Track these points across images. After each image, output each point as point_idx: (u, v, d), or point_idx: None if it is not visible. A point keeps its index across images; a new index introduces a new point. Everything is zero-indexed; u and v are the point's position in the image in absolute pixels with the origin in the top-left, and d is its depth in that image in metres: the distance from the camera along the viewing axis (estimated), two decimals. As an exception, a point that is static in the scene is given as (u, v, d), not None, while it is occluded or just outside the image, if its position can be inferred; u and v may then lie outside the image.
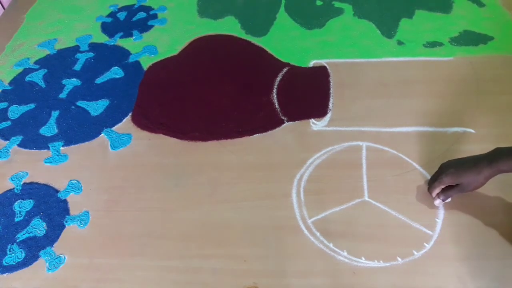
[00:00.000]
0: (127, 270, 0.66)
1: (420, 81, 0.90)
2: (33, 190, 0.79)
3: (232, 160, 0.79)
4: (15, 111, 0.94)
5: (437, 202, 0.67)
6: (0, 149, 0.86)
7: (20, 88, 0.99)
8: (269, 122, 0.85)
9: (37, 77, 1.02)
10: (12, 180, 0.81)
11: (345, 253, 0.65)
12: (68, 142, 0.87)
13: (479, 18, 1.04)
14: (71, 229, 0.72)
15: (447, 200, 0.67)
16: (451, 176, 0.64)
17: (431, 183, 0.67)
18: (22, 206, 0.76)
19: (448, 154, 0.75)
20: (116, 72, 1.01)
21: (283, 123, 0.85)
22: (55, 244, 0.71)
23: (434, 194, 0.67)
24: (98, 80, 0.99)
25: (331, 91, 0.89)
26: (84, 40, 1.10)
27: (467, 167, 0.62)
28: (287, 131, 0.83)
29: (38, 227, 0.73)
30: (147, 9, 1.19)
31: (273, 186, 0.74)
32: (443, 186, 0.66)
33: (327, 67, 0.94)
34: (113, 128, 0.88)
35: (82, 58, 1.05)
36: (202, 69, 0.99)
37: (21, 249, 0.70)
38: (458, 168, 0.64)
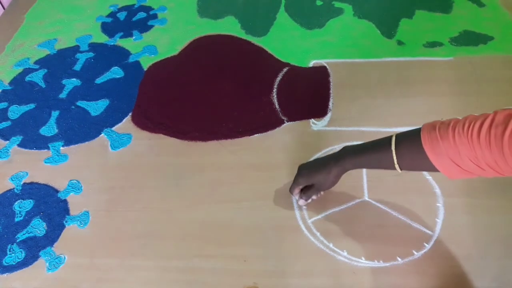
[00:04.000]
0: (127, 270, 0.66)
1: (420, 81, 0.90)
2: (33, 190, 0.79)
3: (232, 160, 0.79)
4: (15, 111, 0.94)
5: (301, 202, 0.68)
6: (0, 149, 0.86)
7: (20, 88, 0.99)
8: (269, 122, 0.85)
9: (37, 77, 1.02)
10: (12, 180, 0.81)
11: (345, 253, 0.65)
12: (68, 142, 0.87)
13: (479, 18, 1.04)
14: (71, 229, 0.72)
15: (309, 201, 0.68)
16: (304, 177, 0.66)
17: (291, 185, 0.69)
18: (22, 206, 0.76)
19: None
20: (116, 72, 1.01)
21: (283, 123, 0.85)
22: (55, 244, 0.71)
23: (294, 194, 0.68)
24: (98, 80, 0.99)
25: (331, 91, 0.89)
26: (84, 40, 1.10)
27: (317, 167, 0.65)
28: (287, 131, 0.83)
29: (38, 227, 0.73)
30: (147, 9, 1.19)
31: (273, 186, 0.74)
32: (301, 187, 0.67)
33: (327, 67, 0.94)
34: (113, 128, 0.88)
35: (82, 58, 1.05)
36: (202, 69, 0.99)
37: (21, 249, 0.70)
38: (309, 169, 0.66)
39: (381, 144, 0.57)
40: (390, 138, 0.56)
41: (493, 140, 0.43)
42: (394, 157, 0.54)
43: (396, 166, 0.55)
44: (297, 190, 0.68)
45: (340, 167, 0.62)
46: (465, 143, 0.46)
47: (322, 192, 0.70)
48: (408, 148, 0.53)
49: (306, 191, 0.67)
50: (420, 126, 0.54)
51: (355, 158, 0.61)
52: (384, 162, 0.56)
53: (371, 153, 0.59)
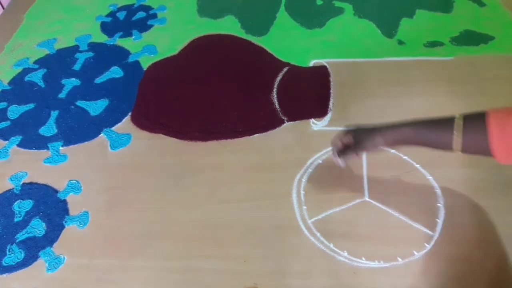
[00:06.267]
0: (127, 270, 0.66)
1: (420, 81, 0.89)
2: (32, 190, 0.78)
3: (232, 160, 0.79)
4: (15, 111, 0.94)
5: (339, 161, 0.65)
6: (-1, 149, 0.86)
7: (19, 88, 0.99)
8: (269, 122, 0.85)
9: (37, 77, 1.01)
10: (12, 180, 0.80)
11: (346, 254, 0.65)
12: (68, 142, 0.86)
13: (479, 17, 1.04)
14: (70, 229, 0.72)
15: (347, 159, 0.64)
16: (348, 132, 0.64)
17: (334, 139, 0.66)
18: (21, 206, 0.76)
19: (447, 154, 0.75)
20: (115, 72, 1.01)
21: (283, 123, 0.85)
22: (55, 244, 0.70)
23: (336, 150, 0.65)
24: (98, 80, 0.99)
25: (331, 91, 0.89)
26: (84, 40, 1.10)
27: (365, 128, 0.63)
28: (287, 131, 0.83)
29: (38, 227, 0.73)
30: (146, 8, 1.19)
31: (273, 186, 0.74)
32: (343, 140, 0.64)
33: (327, 66, 0.94)
34: (113, 128, 0.88)
35: (81, 57, 1.05)
36: (202, 69, 0.99)
37: (20, 250, 0.70)
38: (355, 128, 0.64)
39: (443, 120, 0.57)
40: (453, 116, 0.55)
41: None
42: (456, 133, 0.54)
43: (454, 142, 0.54)
44: (339, 143, 0.65)
45: (392, 129, 0.61)
46: None
47: (361, 156, 0.66)
48: (472, 127, 0.53)
49: (344, 150, 0.64)
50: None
51: (414, 126, 0.60)
52: (442, 138, 0.56)
53: (432, 125, 0.58)
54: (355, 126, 0.65)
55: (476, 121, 0.53)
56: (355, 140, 0.63)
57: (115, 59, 1.04)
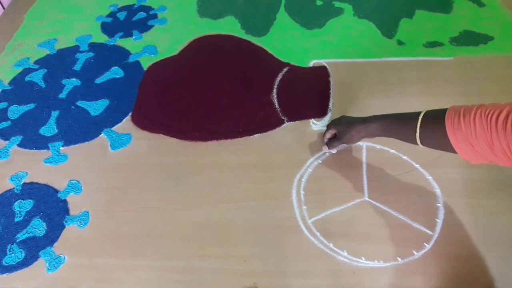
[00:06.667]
0: (127, 270, 0.66)
1: (420, 81, 0.90)
2: (33, 190, 0.79)
3: (232, 160, 0.79)
4: (15, 111, 0.94)
5: (324, 147, 0.77)
6: (0, 149, 0.86)
7: (20, 88, 0.99)
8: (269, 122, 0.85)
9: (37, 77, 1.02)
10: (12, 180, 0.81)
11: (345, 253, 0.65)
12: (68, 142, 0.86)
13: (479, 18, 1.04)
14: (71, 229, 0.72)
15: (333, 151, 0.76)
16: (334, 122, 0.74)
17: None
18: (22, 206, 0.76)
19: (447, 154, 0.75)
20: (116, 72, 1.01)
21: (283, 123, 0.85)
22: (55, 244, 0.71)
23: (325, 139, 0.76)
24: (98, 80, 0.99)
25: (331, 91, 0.89)
26: (84, 40, 1.10)
27: (347, 119, 0.72)
28: (287, 131, 0.83)
29: (38, 227, 0.73)
30: (147, 9, 1.19)
31: (273, 186, 0.74)
32: (330, 131, 0.75)
33: (327, 67, 0.94)
34: (113, 128, 0.88)
35: (82, 58, 1.05)
36: (202, 69, 0.99)
37: (21, 249, 0.70)
38: (341, 119, 0.73)
39: (410, 115, 0.61)
40: (420, 111, 0.59)
41: (510, 125, 0.46)
42: (418, 127, 0.58)
43: (417, 135, 0.58)
44: (327, 135, 0.75)
45: (364, 125, 0.67)
46: (484, 125, 0.49)
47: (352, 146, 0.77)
48: (432, 121, 0.56)
49: (331, 140, 0.75)
50: None
51: (382, 121, 0.65)
52: (406, 131, 0.60)
53: (398, 120, 0.63)
54: (339, 119, 0.74)
55: (436, 118, 0.56)
56: (337, 129, 0.73)
57: (115, 59, 1.04)
